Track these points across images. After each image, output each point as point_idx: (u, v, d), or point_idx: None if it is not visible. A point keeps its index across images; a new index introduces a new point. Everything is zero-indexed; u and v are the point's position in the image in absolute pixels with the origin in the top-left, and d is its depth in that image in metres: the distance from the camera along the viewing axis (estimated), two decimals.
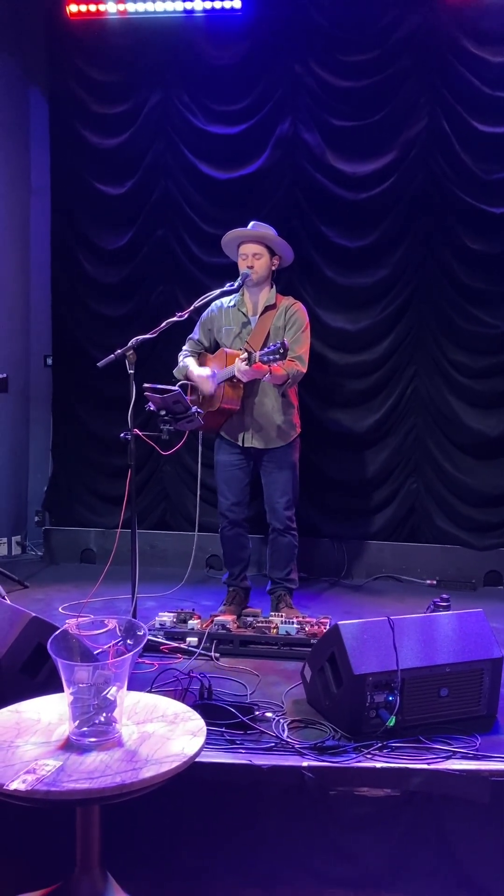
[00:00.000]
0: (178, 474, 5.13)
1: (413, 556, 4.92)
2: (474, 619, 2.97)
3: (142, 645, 2.14)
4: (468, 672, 2.83)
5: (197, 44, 4.91)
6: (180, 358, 4.13)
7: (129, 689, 2.12)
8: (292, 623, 3.60)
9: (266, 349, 3.64)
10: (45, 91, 5.28)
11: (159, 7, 4.87)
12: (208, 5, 4.81)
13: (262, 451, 3.99)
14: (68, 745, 1.99)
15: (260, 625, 3.62)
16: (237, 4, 4.78)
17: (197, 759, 2.00)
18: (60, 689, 2.06)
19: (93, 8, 4.94)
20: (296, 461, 4.06)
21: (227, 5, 4.79)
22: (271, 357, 3.59)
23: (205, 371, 3.94)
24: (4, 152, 5.21)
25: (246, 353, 3.70)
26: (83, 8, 4.95)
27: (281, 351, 3.56)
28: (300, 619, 3.71)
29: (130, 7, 4.90)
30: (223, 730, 2.69)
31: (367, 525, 4.98)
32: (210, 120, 4.96)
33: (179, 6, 4.85)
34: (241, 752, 2.57)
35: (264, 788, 2.50)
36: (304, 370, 3.92)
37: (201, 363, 4.11)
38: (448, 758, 2.56)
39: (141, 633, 2.15)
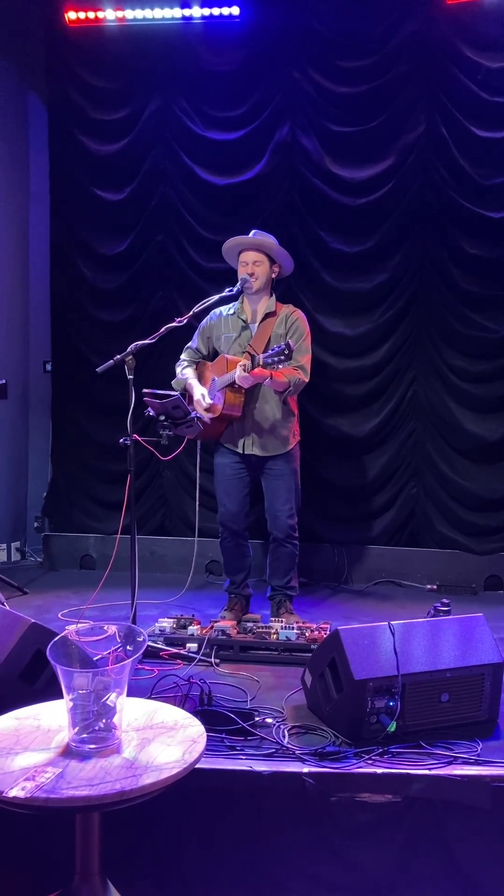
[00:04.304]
0: (177, 480, 5.13)
1: (413, 561, 4.91)
2: (475, 623, 2.96)
3: (141, 651, 2.13)
4: (469, 677, 2.82)
5: (195, 50, 4.92)
6: (178, 369, 4.11)
7: (128, 695, 2.11)
8: (292, 629, 3.59)
9: (270, 351, 3.63)
10: (44, 98, 5.29)
11: (157, 14, 4.89)
12: (206, 12, 4.83)
13: (263, 459, 3.98)
14: (68, 752, 1.98)
15: (260, 630, 3.61)
16: (235, 11, 4.80)
17: (197, 766, 1.98)
18: (60, 696, 2.05)
19: (91, 15, 4.96)
20: (296, 468, 4.05)
21: (226, 12, 4.81)
22: (276, 359, 3.58)
23: (199, 393, 3.91)
24: (3, 159, 5.22)
25: (249, 357, 3.70)
26: (82, 15, 4.98)
27: (286, 352, 3.55)
28: (300, 624, 3.70)
29: (129, 14, 4.92)
30: (223, 736, 2.68)
31: (367, 530, 4.97)
32: (208, 126, 4.98)
33: (178, 13, 4.87)
34: (241, 759, 2.56)
35: (265, 795, 2.49)
36: (307, 380, 3.91)
37: (200, 371, 4.10)
38: (449, 763, 2.54)
39: (140, 639, 2.14)
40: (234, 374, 3.73)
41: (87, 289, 5.22)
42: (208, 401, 3.89)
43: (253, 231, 4.04)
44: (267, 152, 4.90)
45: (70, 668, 2.02)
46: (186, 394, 3.97)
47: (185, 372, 4.07)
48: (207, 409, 3.86)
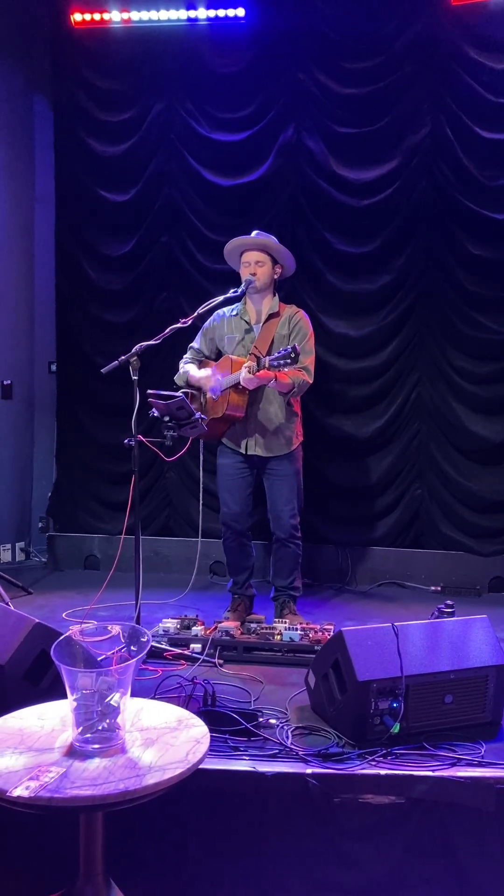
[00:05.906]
0: (181, 480, 5.13)
1: (417, 563, 4.90)
2: (479, 625, 2.96)
3: (145, 651, 2.13)
4: (473, 679, 2.81)
5: (201, 52, 4.94)
6: (181, 365, 4.13)
7: (132, 695, 2.11)
8: (296, 629, 3.59)
9: (276, 354, 3.64)
10: (50, 99, 5.31)
11: (163, 15, 4.90)
12: (212, 13, 4.84)
13: (265, 460, 3.99)
14: (71, 752, 1.98)
15: (264, 631, 3.61)
16: (241, 12, 4.82)
17: (200, 766, 1.98)
18: (64, 696, 2.05)
19: (97, 17, 4.98)
20: (299, 469, 4.05)
21: (231, 13, 4.82)
22: (281, 362, 3.58)
23: (205, 372, 3.94)
24: (9, 160, 5.23)
25: (254, 359, 3.70)
26: (87, 17, 5.00)
27: (292, 355, 3.55)
28: (304, 625, 3.69)
29: (134, 15, 4.93)
30: (227, 736, 2.68)
31: (371, 531, 4.97)
32: (214, 127, 4.99)
33: (183, 14, 4.88)
34: (244, 759, 2.56)
35: (268, 795, 2.49)
36: (311, 381, 3.91)
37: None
38: (453, 765, 2.54)
39: (144, 640, 2.14)
40: (239, 375, 3.74)
41: (91, 290, 5.23)
42: (206, 372, 3.91)
43: (254, 232, 4.05)
44: (272, 154, 4.91)
45: (74, 668, 2.02)
46: (189, 393, 3.98)
47: (186, 367, 4.09)
48: (215, 377, 3.88)
